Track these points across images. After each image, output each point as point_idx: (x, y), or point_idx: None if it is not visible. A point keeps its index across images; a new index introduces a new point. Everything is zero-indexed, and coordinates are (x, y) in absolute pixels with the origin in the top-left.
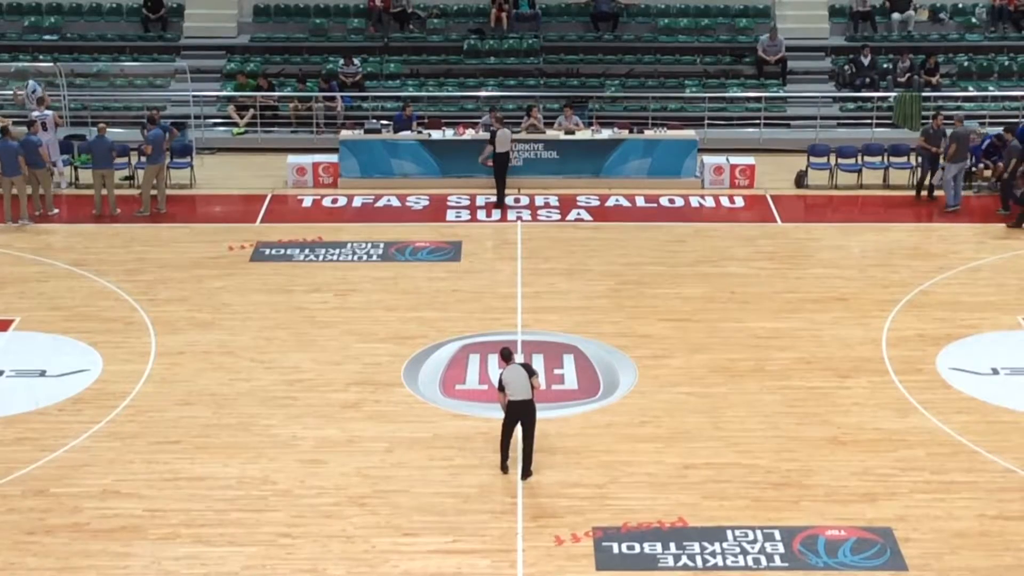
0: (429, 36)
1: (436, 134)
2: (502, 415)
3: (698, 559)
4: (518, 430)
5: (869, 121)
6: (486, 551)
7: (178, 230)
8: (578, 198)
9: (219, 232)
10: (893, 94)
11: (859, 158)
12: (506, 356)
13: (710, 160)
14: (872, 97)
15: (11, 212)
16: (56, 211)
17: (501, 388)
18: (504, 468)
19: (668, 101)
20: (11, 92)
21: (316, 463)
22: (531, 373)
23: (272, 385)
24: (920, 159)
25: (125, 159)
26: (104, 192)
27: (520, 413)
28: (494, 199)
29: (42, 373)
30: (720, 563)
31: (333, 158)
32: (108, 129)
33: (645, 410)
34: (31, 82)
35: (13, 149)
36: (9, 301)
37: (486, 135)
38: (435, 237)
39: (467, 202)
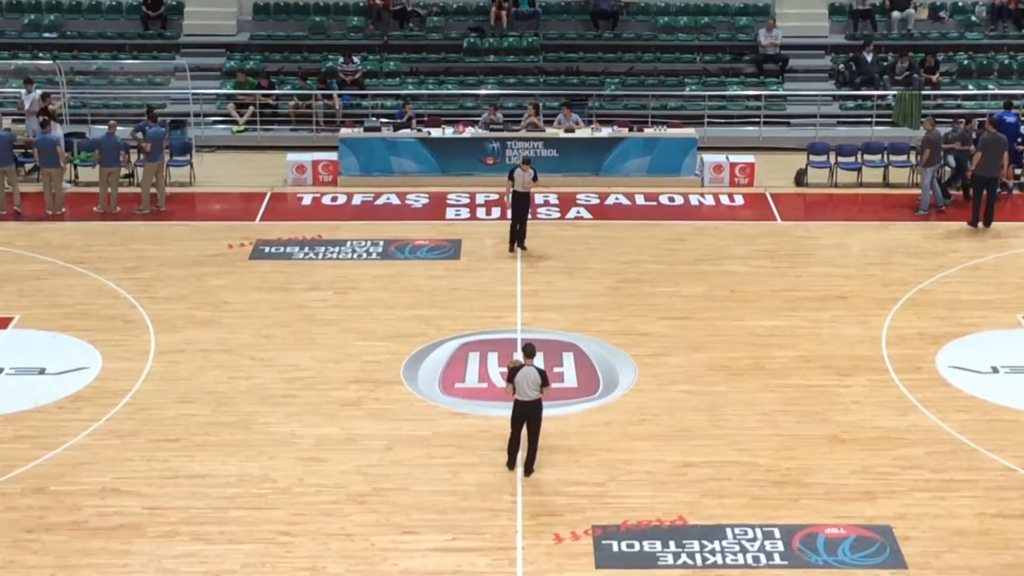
0: (429, 34)
1: (436, 132)
2: (502, 414)
3: (697, 557)
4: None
5: (869, 120)
6: (485, 549)
7: (178, 228)
8: (578, 196)
9: (219, 230)
10: (893, 93)
11: (859, 156)
12: (529, 353)
13: (710, 158)
14: (872, 96)
15: (13, 202)
16: (63, 210)
17: (509, 380)
18: (510, 465)
19: (668, 99)
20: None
21: (315, 461)
22: (544, 382)
23: (271, 383)
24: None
25: (124, 157)
26: (109, 190)
27: (526, 412)
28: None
29: (41, 371)
30: (719, 561)
31: (333, 156)
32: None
33: (644, 408)
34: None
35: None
36: (8, 299)
37: (486, 132)
38: (435, 235)
39: (467, 200)
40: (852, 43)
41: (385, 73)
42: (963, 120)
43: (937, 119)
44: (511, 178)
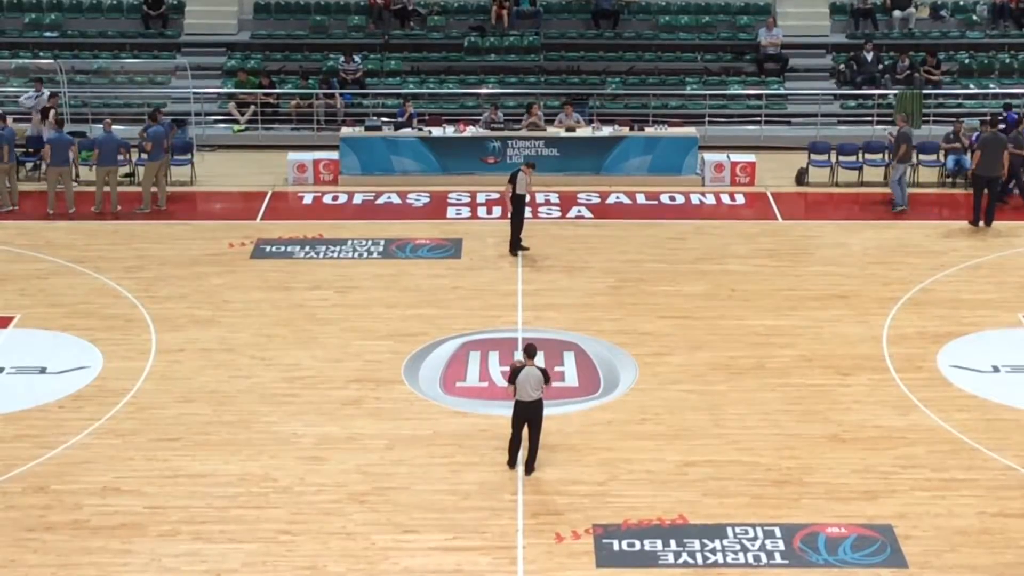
0: (430, 33)
1: (436, 131)
2: (503, 413)
3: (698, 556)
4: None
5: (870, 119)
6: (486, 548)
7: (178, 227)
8: (579, 195)
9: (219, 229)
10: (894, 92)
11: (860, 155)
12: (530, 354)
13: (711, 157)
14: (873, 95)
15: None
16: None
17: (511, 381)
18: (511, 464)
19: (669, 98)
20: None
21: (316, 460)
22: (546, 379)
23: (272, 382)
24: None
25: (125, 156)
26: (107, 189)
27: (527, 413)
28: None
29: (42, 370)
30: (720, 560)
31: (334, 155)
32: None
33: (645, 407)
34: (33, 93)
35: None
36: (9, 298)
37: (487, 132)
38: (436, 234)
39: (467, 199)
40: (853, 42)
41: (386, 72)
42: (962, 120)
43: (936, 119)
44: (512, 181)
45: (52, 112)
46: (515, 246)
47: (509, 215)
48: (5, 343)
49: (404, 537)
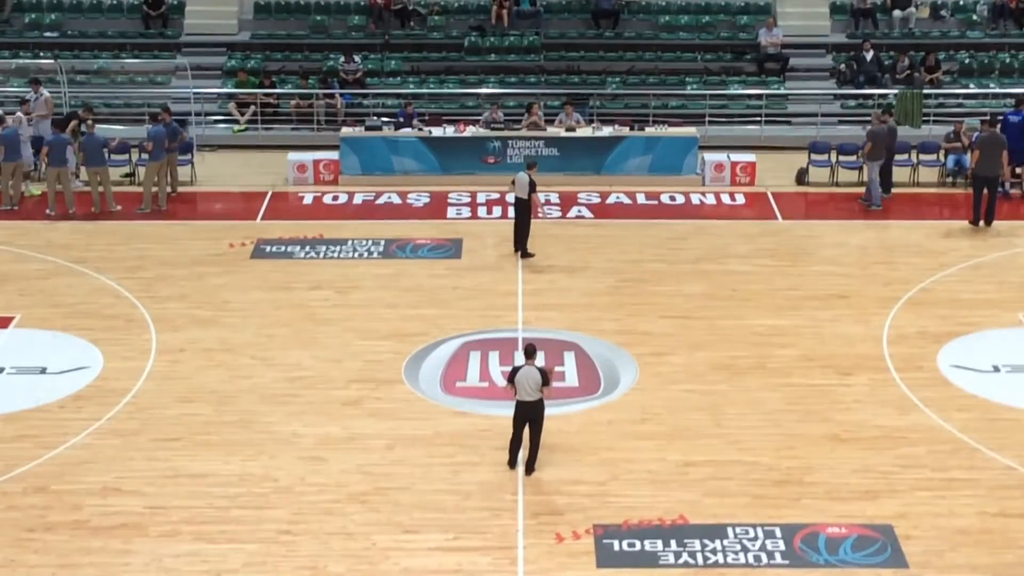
0: (430, 33)
1: (437, 131)
2: (504, 413)
3: (699, 556)
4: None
5: (870, 118)
6: (487, 548)
7: (179, 227)
8: (579, 195)
9: (220, 229)
10: (894, 92)
11: (860, 155)
12: (528, 353)
13: (711, 157)
14: (873, 94)
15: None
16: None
17: (511, 381)
18: (511, 464)
19: (669, 98)
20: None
21: (317, 460)
22: (545, 382)
23: (273, 382)
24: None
25: (125, 156)
26: (101, 189)
27: (528, 413)
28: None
29: (43, 370)
30: (721, 560)
31: (334, 155)
32: (110, 126)
33: (646, 407)
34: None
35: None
36: (10, 298)
37: (487, 131)
38: (436, 234)
39: (468, 199)
40: (853, 42)
41: (386, 72)
42: (962, 120)
43: (936, 119)
44: (533, 189)
45: (74, 123)
46: (524, 249)
47: (514, 216)
48: (5, 343)
49: (404, 537)
